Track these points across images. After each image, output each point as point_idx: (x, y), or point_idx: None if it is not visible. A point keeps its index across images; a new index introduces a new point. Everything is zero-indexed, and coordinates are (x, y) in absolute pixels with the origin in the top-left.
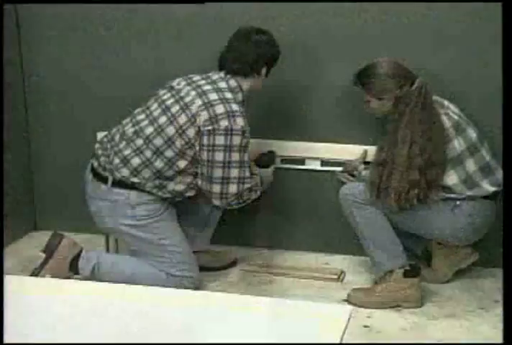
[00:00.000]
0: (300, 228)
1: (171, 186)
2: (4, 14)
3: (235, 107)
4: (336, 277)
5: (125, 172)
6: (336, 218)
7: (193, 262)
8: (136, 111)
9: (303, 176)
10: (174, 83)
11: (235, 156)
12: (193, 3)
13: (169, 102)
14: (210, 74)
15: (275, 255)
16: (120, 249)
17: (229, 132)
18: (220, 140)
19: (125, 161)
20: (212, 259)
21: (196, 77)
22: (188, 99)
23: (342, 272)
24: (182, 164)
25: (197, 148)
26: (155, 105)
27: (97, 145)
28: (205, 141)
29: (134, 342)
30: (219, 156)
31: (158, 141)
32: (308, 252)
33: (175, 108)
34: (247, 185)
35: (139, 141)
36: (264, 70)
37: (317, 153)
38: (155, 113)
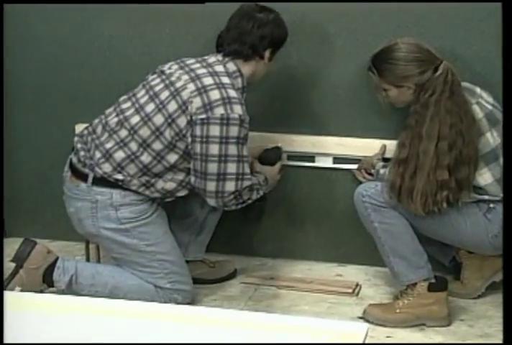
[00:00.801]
0: (309, 235)
1: (160, 184)
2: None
3: (232, 93)
4: (350, 290)
5: (107, 167)
6: (350, 222)
7: (186, 273)
8: (121, 99)
9: (312, 175)
10: (165, 67)
11: (232, 149)
12: (192, 3)
13: (158, 88)
14: (206, 57)
15: (280, 265)
16: (102, 257)
17: (224, 121)
18: (215, 130)
19: (107, 155)
20: (208, 270)
21: (190, 61)
22: (179, 84)
23: (358, 284)
24: (172, 158)
25: (189, 140)
26: (143, 91)
27: (76, 138)
28: (198, 131)
29: None
30: (214, 149)
31: (145, 132)
32: (318, 262)
33: (165, 95)
34: (246, 183)
35: (124, 133)
36: (268, 53)
37: (329, 148)
38: (142, 101)
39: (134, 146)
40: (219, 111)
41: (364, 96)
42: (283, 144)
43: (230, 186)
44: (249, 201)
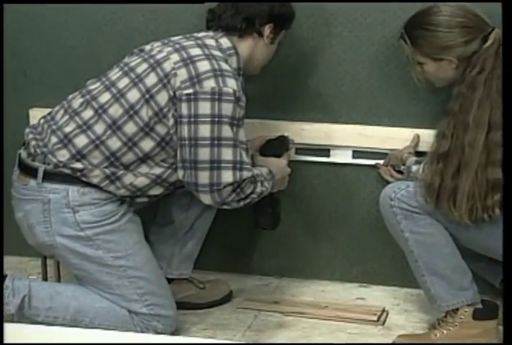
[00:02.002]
0: (322, 248)
1: (128, 178)
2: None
3: (225, 66)
4: (375, 318)
5: (63, 155)
6: (374, 232)
7: (167, 294)
8: (89, 82)
9: (326, 172)
10: (146, 46)
11: (226, 130)
12: (193, 3)
13: (134, 63)
14: (195, 33)
15: (287, 286)
16: (63, 276)
17: (216, 96)
18: (205, 108)
19: (66, 140)
20: (197, 292)
21: (176, 37)
22: (160, 56)
23: (384, 310)
24: (147, 145)
25: (170, 122)
26: (116, 69)
27: (28, 130)
28: (184, 110)
29: None
30: (205, 130)
31: (116, 111)
32: (334, 282)
33: (142, 68)
34: (246, 173)
35: (88, 113)
36: (268, 31)
37: (347, 140)
38: (114, 78)
39: (100, 128)
40: (209, 83)
41: (392, 73)
42: (290, 135)
43: (227, 176)
44: (253, 196)
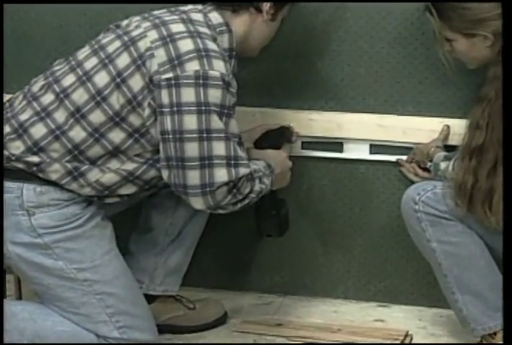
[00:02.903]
0: (334, 260)
1: (94, 174)
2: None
3: (212, 46)
4: (397, 342)
5: (17, 147)
6: (395, 242)
7: (145, 315)
8: (56, 62)
9: (339, 170)
10: (124, 21)
11: (215, 121)
12: (193, 3)
13: (106, 40)
14: (181, 7)
15: (293, 306)
16: (26, 292)
17: (200, 81)
18: (188, 95)
19: (20, 130)
20: (185, 313)
21: (159, 11)
22: (136, 32)
23: (407, 334)
24: (116, 137)
25: (146, 112)
26: (86, 47)
27: None
28: (164, 98)
29: None
30: (191, 121)
31: (80, 97)
32: (348, 301)
33: (114, 46)
34: (242, 170)
35: (48, 98)
36: (268, 6)
37: (364, 132)
38: (81, 57)
39: (61, 116)
40: (192, 66)
41: (416, 53)
42: (296, 126)
43: (220, 175)
44: (252, 196)
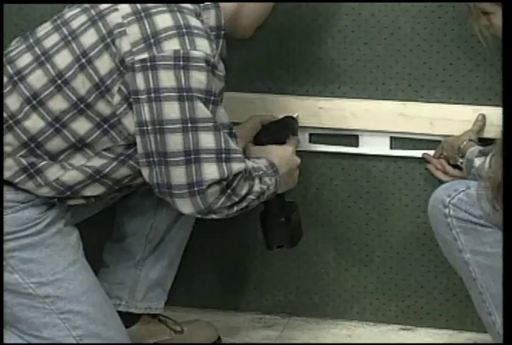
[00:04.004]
0: (348, 276)
1: (53, 172)
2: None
3: (194, 21)
4: None
5: None
6: (420, 253)
7: (119, 337)
8: (15, 40)
9: (353, 168)
10: None
11: (200, 109)
12: (193, 3)
13: (71, 13)
14: None
15: (299, 329)
16: None
17: (181, 63)
18: (168, 78)
19: None
20: (172, 337)
21: None
22: (105, 5)
23: None
24: (81, 128)
25: (115, 99)
26: (47, 23)
27: None
28: (139, 83)
29: None
30: (172, 109)
31: (38, 80)
32: (364, 323)
33: (79, 21)
34: (237, 165)
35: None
36: None
37: (383, 122)
38: (41, 34)
39: (14, 103)
40: (171, 45)
41: (446, 29)
42: (303, 115)
43: (210, 171)
44: (251, 198)
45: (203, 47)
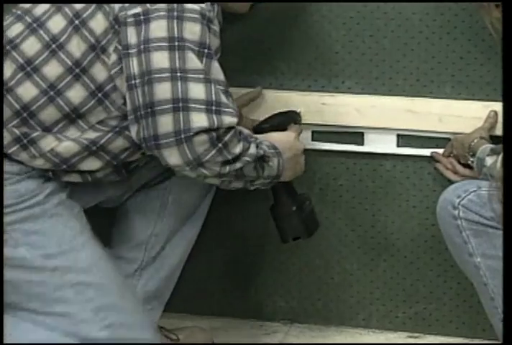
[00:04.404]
0: (353, 281)
1: (48, 142)
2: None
3: None
4: None
5: None
6: (429, 257)
7: (138, 309)
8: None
9: (359, 167)
10: None
11: (192, 59)
12: (193, 3)
13: None
14: None
15: (301, 336)
16: None
17: (175, 13)
18: (159, 29)
19: None
20: None
21: None
22: None
23: None
24: (76, 96)
25: (111, 59)
26: None
27: None
28: (131, 37)
29: None
30: (161, 58)
31: (31, 46)
32: (370, 330)
33: None
34: (228, 118)
35: None
36: None
37: (390, 119)
38: (27, 5)
39: (6, 70)
40: None
41: (456, 20)
42: (305, 112)
43: (198, 119)
44: (246, 161)
45: (197, 3)
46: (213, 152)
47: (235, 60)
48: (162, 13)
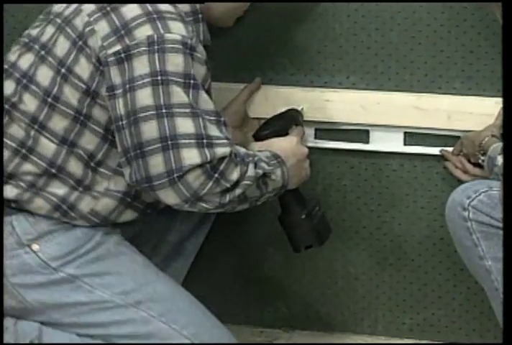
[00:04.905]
0: (358, 286)
1: (86, 204)
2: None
3: (165, 6)
4: None
5: None
6: (438, 260)
7: (217, 322)
8: None
9: (364, 167)
10: (54, 7)
11: (177, 93)
12: (193, 4)
13: (37, 30)
14: None
15: (303, 343)
16: None
17: (155, 47)
18: (142, 65)
19: None
20: None
21: None
22: (69, 10)
23: None
24: (90, 143)
25: (106, 100)
26: (15, 47)
27: None
28: (114, 78)
29: None
30: (145, 96)
31: (28, 104)
32: (376, 337)
33: (48, 33)
34: (221, 149)
35: None
36: None
37: (396, 116)
38: (13, 58)
39: (17, 131)
40: (144, 31)
41: (466, 13)
42: (308, 109)
43: (190, 156)
44: (246, 184)
45: (177, 30)
46: (210, 184)
47: (234, 55)
48: (142, 48)
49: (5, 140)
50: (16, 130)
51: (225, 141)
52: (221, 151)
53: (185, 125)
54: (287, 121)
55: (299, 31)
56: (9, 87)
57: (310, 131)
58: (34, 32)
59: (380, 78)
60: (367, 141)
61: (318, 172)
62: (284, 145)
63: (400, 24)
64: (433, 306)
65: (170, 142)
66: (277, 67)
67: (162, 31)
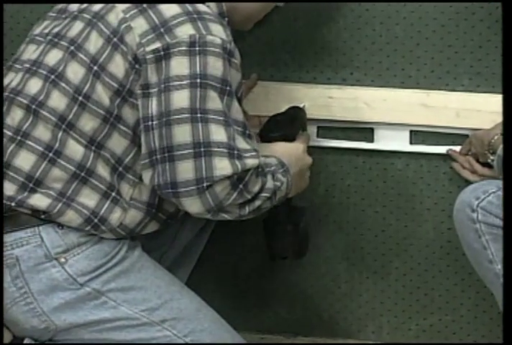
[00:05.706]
0: (362, 291)
1: (116, 217)
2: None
3: (203, 7)
4: None
5: (7, 187)
6: (445, 264)
7: (239, 338)
8: None
9: (368, 166)
10: (70, 5)
11: (213, 99)
12: (193, 4)
13: (60, 26)
14: None
15: None
16: None
17: (197, 49)
18: (180, 66)
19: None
20: None
21: None
22: (99, 6)
23: None
24: (118, 145)
25: (139, 101)
26: (32, 45)
27: None
28: (151, 76)
29: None
30: (181, 98)
31: (58, 102)
32: (380, 344)
33: (77, 28)
34: (250, 161)
35: (16, 115)
36: None
37: (401, 114)
38: (34, 56)
39: (44, 133)
40: (185, 29)
41: (473, 7)
42: (311, 106)
43: (222, 166)
44: (264, 196)
45: (218, 33)
46: (235, 195)
47: None
48: (183, 48)
49: (30, 143)
50: (42, 131)
51: (254, 153)
52: (251, 163)
53: (219, 133)
54: (295, 124)
55: (301, 26)
56: (35, 85)
57: (312, 130)
58: (55, 29)
59: (385, 74)
60: (371, 140)
61: (320, 171)
62: (290, 151)
63: (406, 18)
64: (441, 312)
65: (202, 149)
66: (279, 64)
67: (204, 32)
